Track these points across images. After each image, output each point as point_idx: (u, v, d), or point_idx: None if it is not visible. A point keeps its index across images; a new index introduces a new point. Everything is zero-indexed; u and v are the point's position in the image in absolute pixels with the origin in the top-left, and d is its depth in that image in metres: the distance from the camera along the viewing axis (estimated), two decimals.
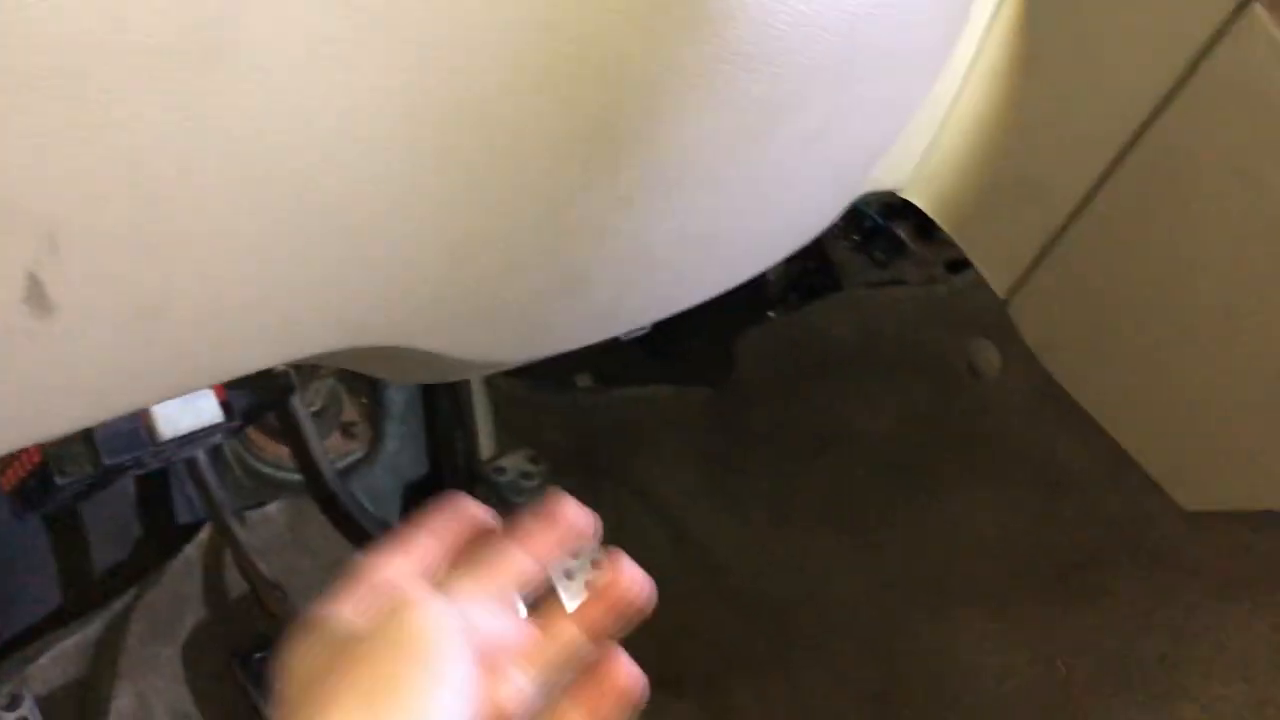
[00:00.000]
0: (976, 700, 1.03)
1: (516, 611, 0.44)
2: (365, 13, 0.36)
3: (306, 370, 1.17)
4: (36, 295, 0.36)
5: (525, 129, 0.43)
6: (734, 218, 0.61)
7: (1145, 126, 0.73)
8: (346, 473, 1.30)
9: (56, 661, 1.00)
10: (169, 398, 0.45)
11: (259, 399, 0.82)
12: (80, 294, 0.36)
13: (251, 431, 1.23)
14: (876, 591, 1.14)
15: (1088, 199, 0.79)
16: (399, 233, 0.44)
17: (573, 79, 0.42)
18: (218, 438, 0.68)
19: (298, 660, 0.40)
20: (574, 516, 0.47)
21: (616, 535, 1.42)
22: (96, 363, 0.39)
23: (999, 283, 0.90)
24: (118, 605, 1.04)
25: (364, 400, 1.33)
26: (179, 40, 0.32)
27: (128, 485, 1.14)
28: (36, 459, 0.67)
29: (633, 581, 0.47)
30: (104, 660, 1.02)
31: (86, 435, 0.64)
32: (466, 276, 0.50)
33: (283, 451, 1.22)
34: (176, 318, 0.39)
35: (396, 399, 1.33)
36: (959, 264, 1.00)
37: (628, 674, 0.45)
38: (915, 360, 1.04)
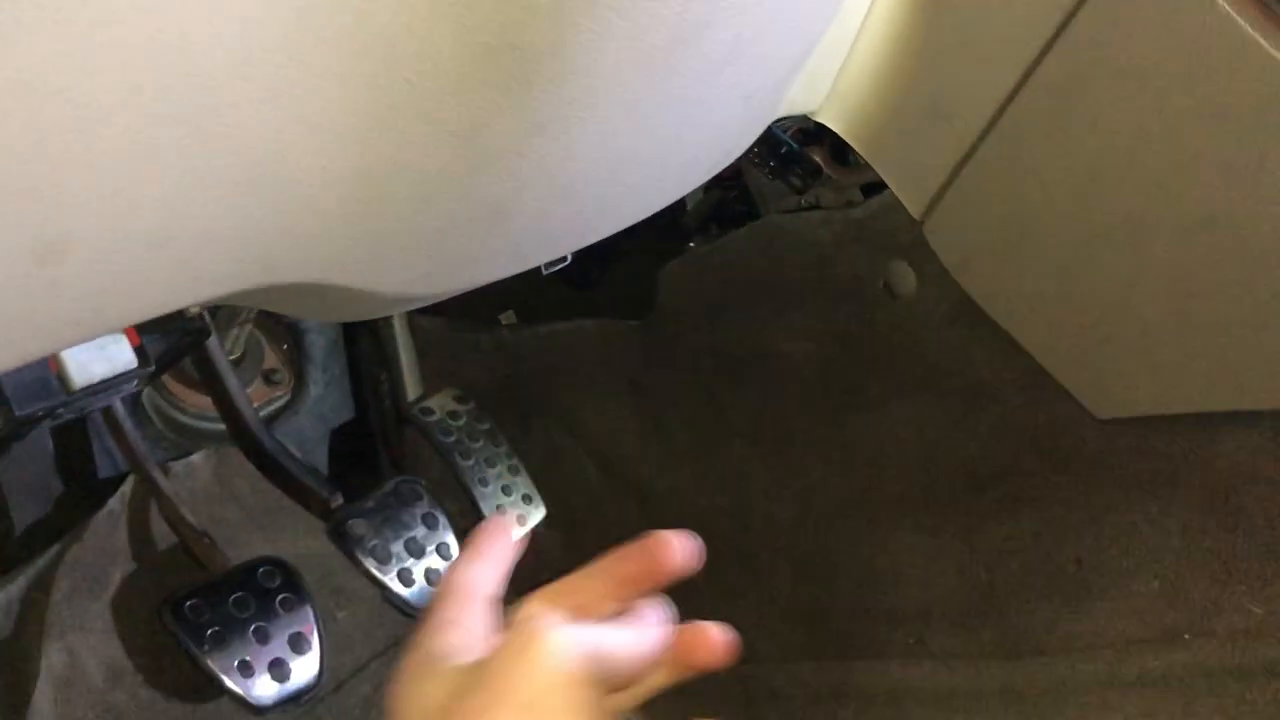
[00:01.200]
0: (902, 609, 1.06)
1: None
2: None
3: (225, 318, 1.15)
4: None
5: (427, 53, 0.42)
6: (650, 142, 0.61)
7: (1050, 44, 0.74)
8: (271, 420, 1.28)
9: None
10: (77, 342, 0.44)
11: (174, 344, 0.80)
12: None
13: (171, 383, 1.21)
14: (803, 510, 1.16)
15: (996, 118, 0.81)
16: (303, 164, 0.43)
17: (476, 2, 0.41)
18: (133, 385, 0.67)
19: (416, 694, 0.38)
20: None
21: (547, 469, 1.42)
22: None
23: (913, 204, 0.91)
24: (42, 562, 1.02)
25: (285, 347, 1.31)
26: None
27: (46, 441, 1.12)
28: None
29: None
30: (31, 618, 1.00)
31: None
32: (377, 208, 0.50)
33: (204, 402, 1.20)
34: (78, 256, 0.38)
35: (318, 344, 1.31)
36: (874, 187, 1.01)
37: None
38: (834, 283, 1.06)
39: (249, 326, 1.21)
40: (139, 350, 0.64)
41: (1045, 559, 0.96)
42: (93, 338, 0.44)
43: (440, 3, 0.40)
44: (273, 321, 1.29)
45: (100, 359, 0.61)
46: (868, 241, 1.01)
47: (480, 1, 0.41)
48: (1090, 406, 0.87)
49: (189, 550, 0.99)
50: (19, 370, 0.43)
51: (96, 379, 0.62)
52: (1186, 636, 0.86)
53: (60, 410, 0.65)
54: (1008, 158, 0.81)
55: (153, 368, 0.66)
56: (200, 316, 0.79)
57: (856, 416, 1.09)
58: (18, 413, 0.62)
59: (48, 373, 0.60)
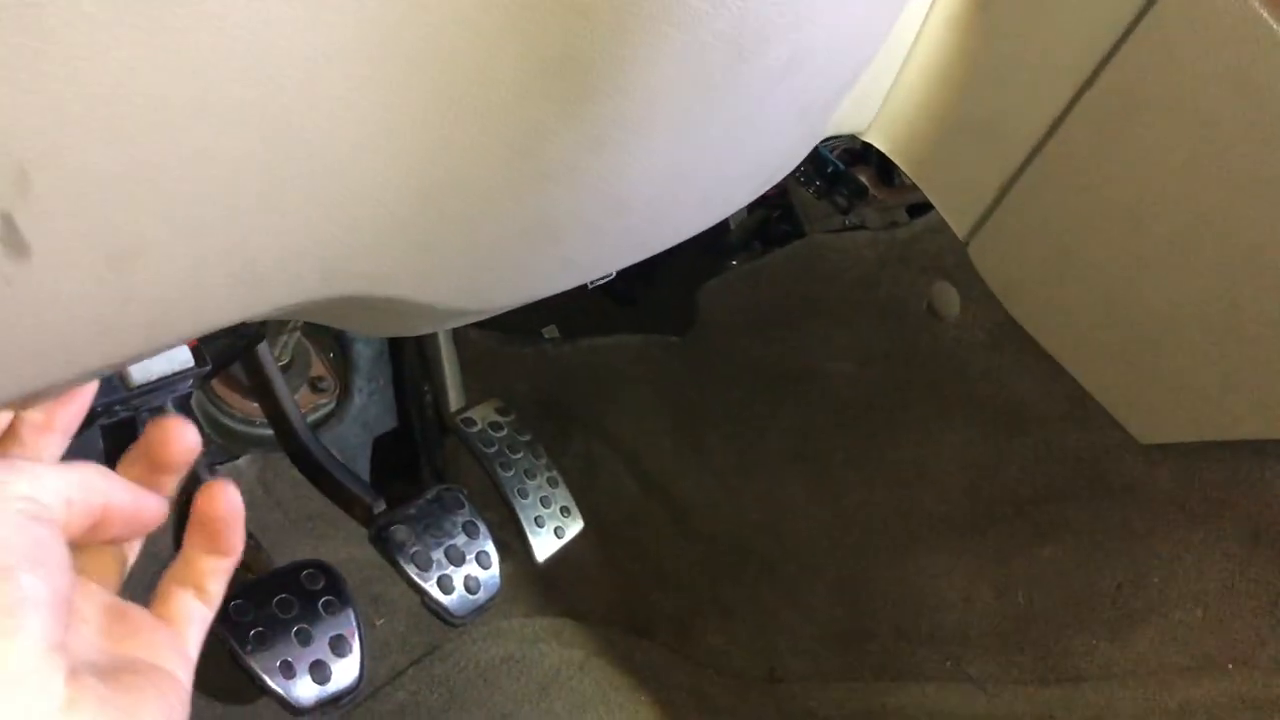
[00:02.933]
0: (940, 632, 1.06)
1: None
2: None
3: (274, 324, 1.17)
4: (11, 236, 0.35)
5: (492, 68, 0.43)
6: (703, 158, 0.61)
7: (1100, 67, 0.74)
8: (316, 427, 1.30)
9: None
10: (147, 354, 0.45)
11: (228, 346, 0.82)
12: (55, 236, 0.36)
13: (218, 387, 1.23)
14: (841, 530, 1.16)
15: (1044, 140, 0.81)
16: (369, 176, 0.44)
17: (537, 16, 0.42)
18: (189, 384, 0.68)
19: None
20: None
21: (586, 481, 1.43)
22: (74, 314, 0.38)
23: (959, 225, 0.91)
24: None
25: (331, 355, 1.33)
26: None
27: (96, 442, 1.14)
28: None
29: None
30: None
31: None
32: (436, 222, 0.51)
33: (251, 407, 1.22)
34: (152, 265, 0.39)
35: (364, 353, 1.33)
36: (920, 208, 1.01)
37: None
38: (877, 303, 1.06)
39: (297, 334, 1.23)
40: (196, 351, 0.66)
41: (1085, 584, 0.95)
42: (166, 348, 0.45)
43: (504, 17, 0.41)
44: (320, 331, 1.31)
45: (160, 357, 0.63)
46: (912, 262, 1.01)
47: (543, 16, 0.42)
48: (1134, 432, 0.87)
49: None
50: None
51: (155, 376, 0.63)
52: (1229, 666, 0.85)
53: (118, 407, 0.67)
54: (1055, 181, 0.81)
55: (209, 367, 0.67)
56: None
57: (897, 437, 1.09)
58: None
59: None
